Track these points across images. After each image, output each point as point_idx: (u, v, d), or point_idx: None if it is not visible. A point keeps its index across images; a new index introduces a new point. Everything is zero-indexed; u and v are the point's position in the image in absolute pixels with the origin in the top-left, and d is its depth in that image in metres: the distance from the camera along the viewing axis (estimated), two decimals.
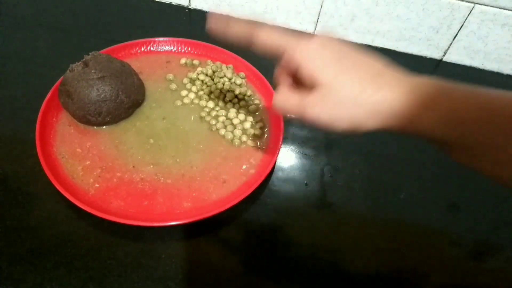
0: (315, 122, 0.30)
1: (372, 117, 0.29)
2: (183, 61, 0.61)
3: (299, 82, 0.31)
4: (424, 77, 0.29)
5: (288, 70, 0.32)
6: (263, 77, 0.58)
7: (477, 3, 0.62)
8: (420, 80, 0.29)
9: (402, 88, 0.28)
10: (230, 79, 0.57)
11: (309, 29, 0.72)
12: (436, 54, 0.71)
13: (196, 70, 0.59)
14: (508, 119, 0.26)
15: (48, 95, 0.50)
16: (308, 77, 0.30)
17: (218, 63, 0.60)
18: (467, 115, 0.27)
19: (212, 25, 0.33)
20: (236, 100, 0.55)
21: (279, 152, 0.48)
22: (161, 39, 0.62)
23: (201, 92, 0.56)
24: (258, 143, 0.51)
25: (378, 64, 0.30)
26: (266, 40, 0.31)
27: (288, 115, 0.31)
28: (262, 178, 0.45)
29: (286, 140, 0.53)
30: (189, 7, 0.74)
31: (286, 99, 0.31)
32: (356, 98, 0.28)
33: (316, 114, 0.29)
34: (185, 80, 0.58)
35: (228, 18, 0.33)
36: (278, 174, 0.50)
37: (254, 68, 0.59)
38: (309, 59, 0.30)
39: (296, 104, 0.30)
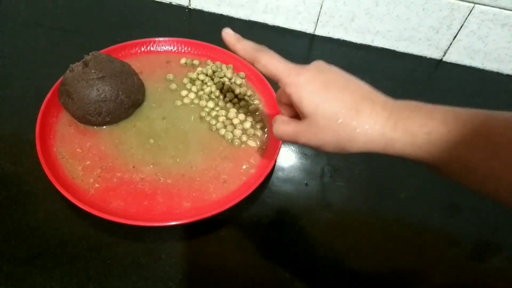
0: (307, 146, 0.34)
1: (353, 142, 0.31)
2: (183, 61, 0.61)
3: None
4: (401, 102, 0.31)
5: (285, 98, 0.35)
6: (263, 77, 0.58)
7: (477, 3, 0.62)
8: (397, 105, 0.31)
9: (380, 115, 0.31)
10: (230, 79, 0.57)
11: (309, 29, 0.72)
12: (436, 54, 0.71)
13: (196, 70, 0.59)
14: (481, 137, 0.27)
15: (48, 95, 0.50)
16: (297, 107, 0.33)
17: (218, 63, 0.60)
18: (439, 136, 0.29)
19: (225, 36, 0.37)
20: (236, 100, 0.55)
21: (279, 152, 0.48)
22: (161, 39, 0.62)
23: (201, 92, 0.56)
24: (258, 143, 0.51)
25: (361, 90, 0.32)
26: (264, 67, 0.35)
27: (284, 141, 0.34)
28: (262, 178, 0.45)
29: None
30: (189, 7, 0.74)
31: (281, 128, 0.35)
32: (335, 126, 0.31)
33: (305, 141, 0.33)
34: (185, 80, 0.58)
35: (239, 37, 0.37)
36: (278, 174, 0.50)
37: (254, 68, 0.59)
38: (297, 91, 0.32)
39: (290, 132, 0.34)
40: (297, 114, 0.35)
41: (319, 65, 0.34)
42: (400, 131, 0.30)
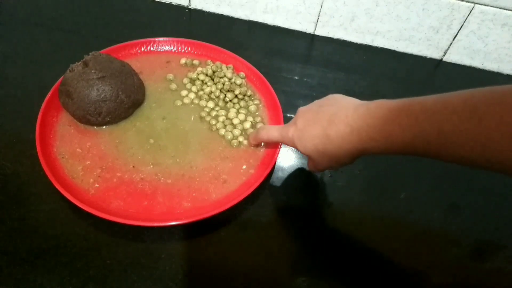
0: (326, 170, 0.47)
1: (341, 157, 0.38)
2: (183, 61, 0.61)
3: None
4: (363, 109, 0.35)
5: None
6: (263, 77, 0.58)
7: (477, 3, 0.62)
8: (356, 114, 0.36)
9: (344, 132, 0.36)
10: (230, 79, 0.57)
11: (309, 29, 0.72)
12: (436, 54, 0.71)
13: (196, 70, 0.59)
14: (433, 130, 0.30)
15: (48, 95, 0.50)
16: (301, 152, 0.42)
17: (218, 63, 0.60)
18: (396, 138, 0.32)
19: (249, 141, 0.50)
20: (236, 100, 0.55)
21: (279, 152, 0.48)
22: (161, 39, 0.62)
23: (201, 92, 0.56)
24: None
25: (327, 116, 0.38)
26: (267, 139, 0.46)
27: (314, 172, 0.48)
28: (262, 178, 0.45)
29: None
30: (189, 7, 0.74)
31: (308, 164, 0.47)
32: (321, 153, 0.39)
33: (321, 167, 0.43)
34: (185, 80, 0.58)
35: (251, 136, 0.49)
36: (278, 174, 0.50)
37: (254, 68, 0.59)
38: (291, 144, 0.42)
39: (312, 166, 0.45)
40: None
41: (298, 113, 0.42)
42: (365, 140, 0.35)
